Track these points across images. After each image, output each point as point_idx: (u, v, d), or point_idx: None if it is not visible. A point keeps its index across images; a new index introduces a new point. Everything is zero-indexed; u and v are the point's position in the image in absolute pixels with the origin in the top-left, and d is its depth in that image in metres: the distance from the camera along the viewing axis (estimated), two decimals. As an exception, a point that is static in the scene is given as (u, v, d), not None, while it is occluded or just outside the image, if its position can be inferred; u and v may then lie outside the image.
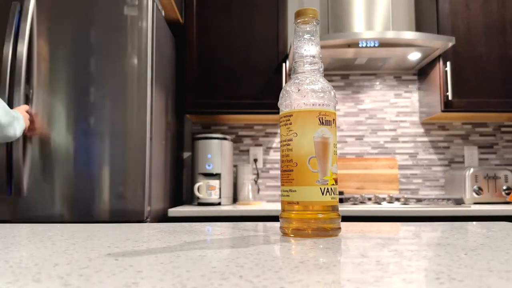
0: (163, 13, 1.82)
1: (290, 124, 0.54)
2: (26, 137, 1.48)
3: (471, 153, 2.41)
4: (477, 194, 2.09)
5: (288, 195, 0.54)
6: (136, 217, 1.48)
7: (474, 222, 0.71)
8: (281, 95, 0.57)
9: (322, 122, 0.53)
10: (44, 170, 1.48)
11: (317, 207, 0.52)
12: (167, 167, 1.86)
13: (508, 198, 2.10)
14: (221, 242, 0.48)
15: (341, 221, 0.58)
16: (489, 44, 2.13)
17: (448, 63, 2.10)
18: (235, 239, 0.50)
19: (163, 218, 1.75)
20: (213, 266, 0.34)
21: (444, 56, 2.12)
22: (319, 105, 0.53)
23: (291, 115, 0.54)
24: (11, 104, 1.48)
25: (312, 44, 0.57)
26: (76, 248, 0.43)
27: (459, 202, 1.91)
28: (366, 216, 1.74)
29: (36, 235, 0.55)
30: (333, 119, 0.54)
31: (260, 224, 0.71)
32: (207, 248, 0.44)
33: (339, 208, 0.59)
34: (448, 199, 1.94)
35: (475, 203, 2.06)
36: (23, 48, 1.47)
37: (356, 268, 0.33)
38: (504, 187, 2.10)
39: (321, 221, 0.52)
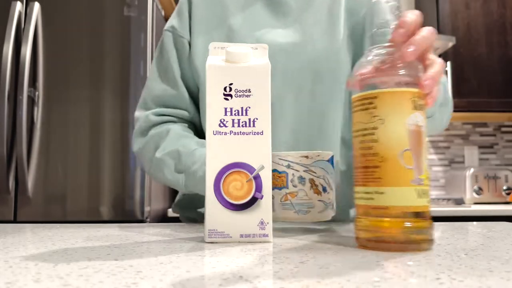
0: (163, 13, 1.82)
1: (374, 108, 0.42)
2: (30, 137, 1.48)
3: (471, 153, 2.41)
4: (477, 194, 2.09)
5: (372, 198, 0.42)
6: (136, 217, 1.48)
7: (475, 222, 0.71)
8: (355, 70, 0.45)
9: (416, 106, 0.42)
10: (47, 170, 1.48)
11: (411, 214, 0.41)
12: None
13: (509, 198, 2.10)
14: (221, 242, 0.48)
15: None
16: (489, 44, 2.13)
17: (448, 63, 2.10)
18: (235, 239, 0.50)
19: (163, 218, 1.75)
20: (213, 267, 0.34)
21: (444, 56, 2.12)
22: (413, 85, 0.42)
23: (375, 97, 0.42)
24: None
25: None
26: (76, 248, 0.43)
27: (459, 202, 1.91)
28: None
29: (36, 235, 0.55)
30: (425, 103, 0.44)
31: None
32: (207, 248, 0.44)
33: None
34: (448, 199, 1.94)
35: (475, 203, 2.06)
36: (26, 50, 1.47)
37: (356, 268, 0.33)
38: (505, 187, 2.10)
39: (415, 231, 0.41)
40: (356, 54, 0.80)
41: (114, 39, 1.52)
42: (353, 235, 0.54)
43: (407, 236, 0.41)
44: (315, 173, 0.55)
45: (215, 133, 0.47)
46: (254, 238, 0.47)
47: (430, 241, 0.42)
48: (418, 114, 0.42)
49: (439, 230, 0.60)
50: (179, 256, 0.39)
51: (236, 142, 0.47)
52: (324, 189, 0.56)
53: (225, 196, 0.47)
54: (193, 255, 0.40)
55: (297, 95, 0.77)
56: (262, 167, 0.47)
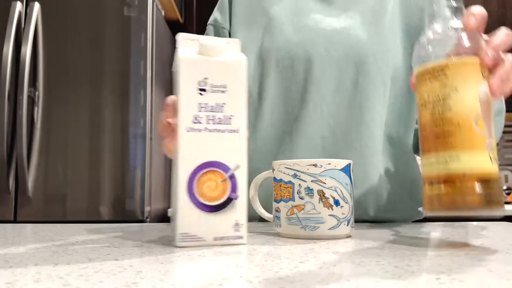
0: (163, 13, 1.82)
1: (446, 77, 0.43)
2: (31, 137, 1.48)
3: (471, 153, 2.41)
4: (477, 194, 2.10)
5: (447, 163, 0.42)
6: (136, 217, 1.48)
7: (475, 222, 0.71)
8: (425, 41, 0.46)
9: (484, 77, 0.43)
10: (47, 170, 1.49)
11: (485, 179, 0.41)
12: (167, 167, 1.86)
13: (509, 198, 2.10)
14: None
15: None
16: (489, 44, 2.13)
17: (448, 63, 2.10)
18: (235, 239, 0.50)
19: (162, 218, 1.75)
20: (213, 266, 0.34)
21: (444, 56, 2.12)
22: (479, 55, 0.43)
23: (446, 66, 0.43)
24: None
25: None
26: (76, 248, 0.43)
27: (459, 202, 1.91)
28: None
29: (36, 235, 0.55)
30: (488, 75, 0.44)
31: (259, 224, 0.71)
32: (207, 248, 0.44)
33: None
34: (448, 199, 1.94)
35: (475, 203, 2.06)
36: (26, 50, 1.47)
37: (356, 268, 0.33)
38: (504, 187, 2.10)
39: (491, 195, 0.41)
40: (411, 49, 0.76)
41: (114, 39, 1.52)
42: (354, 235, 0.54)
43: (482, 200, 0.41)
44: (325, 183, 0.50)
45: (188, 130, 0.44)
46: (228, 241, 0.45)
47: (503, 206, 0.42)
48: (486, 84, 0.43)
49: (439, 230, 0.60)
50: (179, 256, 0.39)
51: (211, 140, 0.45)
52: (337, 203, 0.50)
53: (198, 197, 0.44)
54: (193, 254, 0.40)
55: (338, 85, 0.74)
56: (238, 166, 0.45)
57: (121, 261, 0.36)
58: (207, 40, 0.46)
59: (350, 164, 0.52)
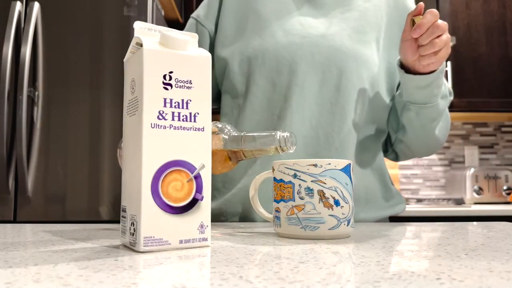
0: (162, 13, 1.82)
1: None
2: (31, 136, 1.48)
3: (471, 153, 2.41)
4: (477, 194, 2.09)
5: None
6: (136, 217, 1.48)
7: (475, 222, 0.71)
8: None
9: None
10: (47, 170, 1.48)
11: None
12: (167, 167, 1.86)
13: (509, 198, 2.09)
14: (220, 242, 0.48)
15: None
16: (489, 44, 2.13)
17: (449, 63, 2.10)
18: (235, 239, 0.50)
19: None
20: (213, 267, 0.34)
21: (445, 56, 2.12)
22: None
23: None
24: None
25: None
26: (76, 248, 0.43)
27: (459, 202, 1.91)
28: (366, 216, 1.74)
29: (36, 235, 0.55)
30: None
31: (259, 224, 0.71)
32: (207, 248, 0.44)
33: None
34: (449, 199, 1.94)
35: (475, 203, 2.06)
36: (26, 50, 1.47)
37: (356, 269, 0.33)
38: (505, 187, 2.10)
39: None
40: (390, 62, 0.82)
41: (114, 39, 1.52)
42: (354, 235, 0.54)
43: None
44: (325, 183, 0.50)
45: (153, 126, 0.41)
46: (193, 243, 0.43)
47: None
48: None
49: (439, 231, 0.60)
50: (179, 256, 0.39)
51: (176, 138, 0.42)
52: (337, 203, 0.50)
53: (163, 198, 0.41)
54: (193, 255, 0.40)
55: (321, 87, 0.76)
56: (203, 166, 0.44)
57: (121, 261, 0.36)
58: (170, 31, 0.44)
59: (350, 164, 0.52)
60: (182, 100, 0.43)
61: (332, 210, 0.50)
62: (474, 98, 2.10)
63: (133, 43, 0.45)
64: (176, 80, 0.43)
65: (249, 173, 0.77)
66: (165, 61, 0.43)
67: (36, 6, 1.52)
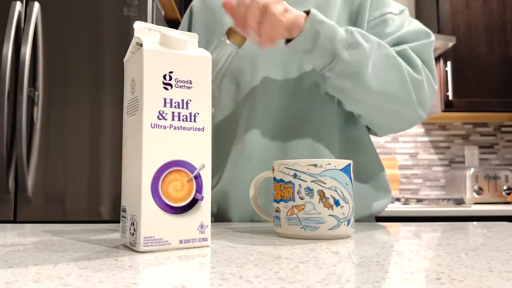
0: (163, 13, 1.82)
1: None
2: (31, 136, 1.48)
3: (471, 153, 2.41)
4: (477, 194, 2.09)
5: None
6: (136, 217, 1.48)
7: (475, 222, 0.71)
8: None
9: None
10: (47, 170, 1.48)
11: None
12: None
13: (509, 198, 2.10)
14: (220, 242, 0.48)
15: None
16: (489, 44, 2.13)
17: (449, 63, 2.10)
18: (235, 239, 0.50)
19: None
20: (213, 266, 0.34)
21: (445, 56, 2.12)
22: None
23: None
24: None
25: None
26: (76, 248, 0.43)
27: (459, 202, 1.91)
28: (367, 216, 1.73)
29: (36, 235, 0.55)
30: None
31: (259, 224, 0.71)
32: (207, 248, 0.44)
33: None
34: (449, 199, 1.94)
35: (475, 203, 2.06)
36: (26, 50, 1.46)
37: (356, 268, 0.33)
38: (505, 187, 2.10)
39: None
40: None
41: (114, 39, 1.52)
42: (354, 235, 0.54)
43: None
44: (325, 183, 0.49)
45: (153, 126, 0.42)
46: (193, 243, 0.43)
47: None
48: None
49: (439, 231, 0.60)
50: (179, 256, 0.39)
51: (176, 138, 0.43)
52: (337, 203, 0.50)
53: (164, 198, 0.42)
54: (193, 255, 0.40)
55: (283, 76, 0.77)
56: (203, 166, 0.44)
57: (121, 261, 0.36)
58: (170, 31, 0.45)
59: (350, 164, 0.52)
60: (182, 100, 0.43)
61: (332, 210, 0.50)
62: (474, 98, 2.10)
63: (133, 43, 0.45)
64: (176, 80, 0.43)
65: (222, 177, 0.79)
66: (165, 61, 0.43)
67: (36, 6, 1.52)
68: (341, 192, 0.50)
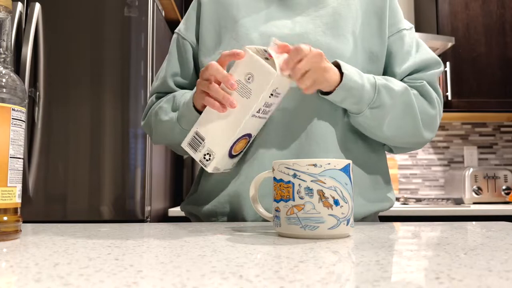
0: (163, 14, 1.82)
1: None
2: (31, 137, 1.48)
3: (470, 153, 2.41)
4: (476, 194, 2.09)
5: None
6: (136, 217, 1.48)
7: (474, 222, 0.71)
8: None
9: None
10: (47, 170, 1.49)
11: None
12: (167, 167, 1.86)
13: (508, 198, 2.10)
14: (220, 241, 0.48)
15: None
16: (488, 44, 2.13)
17: (448, 63, 2.10)
18: (235, 239, 0.50)
19: (163, 218, 1.75)
20: (213, 266, 0.34)
21: (444, 56, 2.12)
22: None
23: None
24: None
25: None
26: (77, 248, 0.44)
27: (458, 202, 1.91)
28: (366, 216, 1.73)
29: (37, 234, 0.55)
30: None
31: (259, 224, 0.71)
32: (207, 247, 0.44)
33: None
34: (448, 199, 1.94)
35: (474, 203, 2.06)
36: (27, 50, 1.47)
37: (356, 268, 0.33)
38: (504, 187, 2.10)
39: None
40: (372, 51, 0.82)
41: (114, 40, 1.53)
42: (354, 235, 0.54)
43: None
44: (324, 183, 0.50)
45: (252, 116, 0.66)
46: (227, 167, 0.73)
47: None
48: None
49: (438, 230, 0.60)
50: (179, 256, 0.39)
51: (255, 122, 0.68)
52: (336, 202, 0.50)
53: (232, 152, 0.69)
54: (193, 254, 0.40)
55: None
56: (253, 136, 0.73)
57: (122, 261, 0.36)
58: (277, 57, 0.65)
59: (349, 164, 0.52)
60: (272, 103, 0.68)
61: (332, 209, 0.50)
62: (473, 98, 2.10)
63: (261, 47, 0.66)
64: (275, 91, 0.66)
65: (236, 177, 0.78)
66: (277, 81, 0.65)
67: (37, 6, 1.52)
68: (341, 192, 0.51)
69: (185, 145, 0.70)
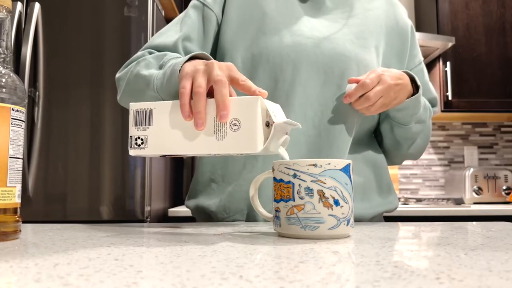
0: (163, 13, 1.82)
1: None
2: (31, 137, 1.48)
3: (471, 153, 2.41)
4: (477, 194, 2.09)
5: None
6: (136, 217, 1.48)
7: (474, 222, 0.71)
8: None
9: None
10: (47, 170, 1.49)
11: None
12: (167, 167, 1.86)
13: (508, 198, 2.10)
14: (220, 242, 0.48)
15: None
16: (488, 44, 2.13)
17: (448, 63, 2.10)
18: (235, 239, 0.50)
19: (163, 218, 1.75)
20: (213, 266, 0.34)
21: (444, 56, 2.12)
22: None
23: None
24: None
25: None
26: (76, 248, 0.44)
27: (459, 202, 1.91)
28: (366, 216, 1.73)
29: (36, 235, 0.55)
30: None
31: (259, 224, 0.71)
32: (207, 248, 0.44)
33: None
34: (448, 199, 1.94)
35: (475, 203, 2.06)
36: (26, 50, 1.47)
37: (356, 268, 0.33)
38: (504, 187, 2.10)
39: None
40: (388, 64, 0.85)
41: (114, 39, 1.53)
42: (354, 235, 0.54)
43: None
44: (324, 183, 0.50)
45: (207, 154, 0.56)
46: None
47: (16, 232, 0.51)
48: None
49: (438, 230, 0.60)
50: (179, 256, 0.39)
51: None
52: (337, 202, 0.50)
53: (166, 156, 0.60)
54: (193, 254, 0.40)
55: (323, 87, 0.78)
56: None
57: (121, 261, 0.36)
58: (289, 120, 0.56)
59: (349, 164, 0.52)
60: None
61: (332, 210, 0.50)
62: (473, 98, 2.10)
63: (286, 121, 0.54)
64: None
65: (249, 168, 0.77)
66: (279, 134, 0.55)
67: (37, 6, 1.52)
68: (341, 192, 0.50)
69: (133, 107, 0.57)
